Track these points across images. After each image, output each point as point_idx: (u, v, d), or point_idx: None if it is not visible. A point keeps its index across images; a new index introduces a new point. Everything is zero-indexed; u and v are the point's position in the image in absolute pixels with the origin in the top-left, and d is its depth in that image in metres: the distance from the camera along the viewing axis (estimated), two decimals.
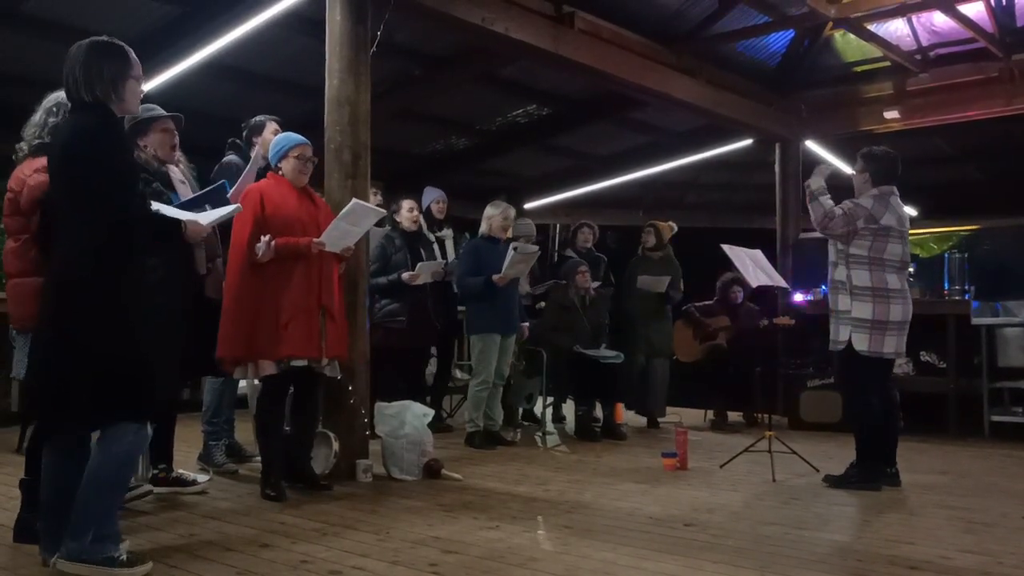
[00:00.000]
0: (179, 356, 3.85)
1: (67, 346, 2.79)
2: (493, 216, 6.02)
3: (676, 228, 7.38)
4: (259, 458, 4.38)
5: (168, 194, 3.85)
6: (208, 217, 3.30)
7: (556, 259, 7.51)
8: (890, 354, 4.54)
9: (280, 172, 4.25)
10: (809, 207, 4.69)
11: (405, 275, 5.84)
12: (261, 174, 4.69)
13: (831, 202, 4.61)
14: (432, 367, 6.80)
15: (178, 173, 4.10)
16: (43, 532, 2.92)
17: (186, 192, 4.03)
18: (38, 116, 3.40)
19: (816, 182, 4.71)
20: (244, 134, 4.92)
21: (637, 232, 7.54)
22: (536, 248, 6.14)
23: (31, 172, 3.28)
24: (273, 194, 4.15)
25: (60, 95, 3.33)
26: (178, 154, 4.18)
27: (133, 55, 2.97)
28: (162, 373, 3.01)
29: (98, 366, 2.76)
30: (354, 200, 4.23)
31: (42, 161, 3.23)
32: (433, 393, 6.60)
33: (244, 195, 4.12)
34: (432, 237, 6.53)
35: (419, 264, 5.93)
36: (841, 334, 4.57)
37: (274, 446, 4.22)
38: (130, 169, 2.97)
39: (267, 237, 3.98)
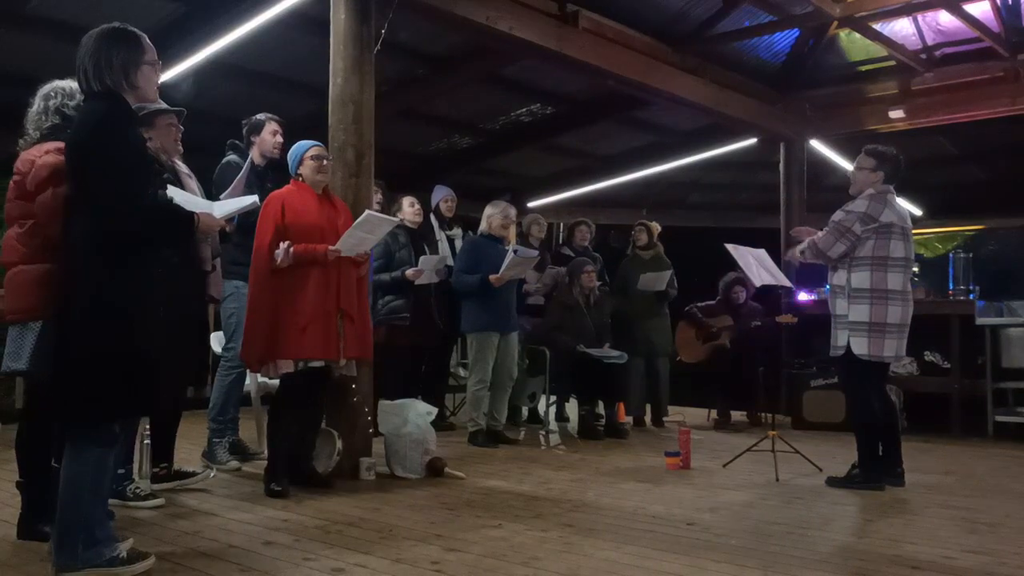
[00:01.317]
0: (183, 354, 3.85)
1: (70, 340, 2.76)
2: (493, 215, 6.03)
3: (660, 228, 7.45)
4: (262, 456, 4.39)
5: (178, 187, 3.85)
6: (223, 209, 3.28)
7: (554, 255, 7.49)
8: (890, 357, 4.48)
9: (300, 178, 4.33)
10: (811, 260, 4.65)
11: (409, 271, 5.85)
12: (262, 175, 4.69)
13: (806, 240, 4.58)
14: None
15: (185, 167, 4.12)
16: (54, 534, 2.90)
17: (193, 187, 4.05)
18: (36, 106, 3.33)
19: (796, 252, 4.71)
20: (244, 131, 4.93)
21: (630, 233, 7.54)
22: (535, 253, 6.16)
23: (42, 152, 3.15)
24: (294, 201, 4.24)
25: (57, 83, 3.32)
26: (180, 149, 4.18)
27: (147, 41, 2.92)
28: (165, 370, 2.98)
29: (100, 361, 2.73)
30: (367, 212, 4.28)
31: (56, 143, 3.12)
32: (435, 391, 6.60)
33: (266, 202, 4.22)
34: (442, 235, 6.53)
35: (421, 258, 5.94)
36: (839, 339, 4.50)
37: (283, 443, 4.25)
38: (139, 160, 2.88)
39: (286, 244, 4.09)
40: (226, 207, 3.34)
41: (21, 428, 3.29)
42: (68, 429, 2.81)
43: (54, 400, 2.80)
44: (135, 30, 2.92)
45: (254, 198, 3.81)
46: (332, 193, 4.47)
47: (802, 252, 4.66)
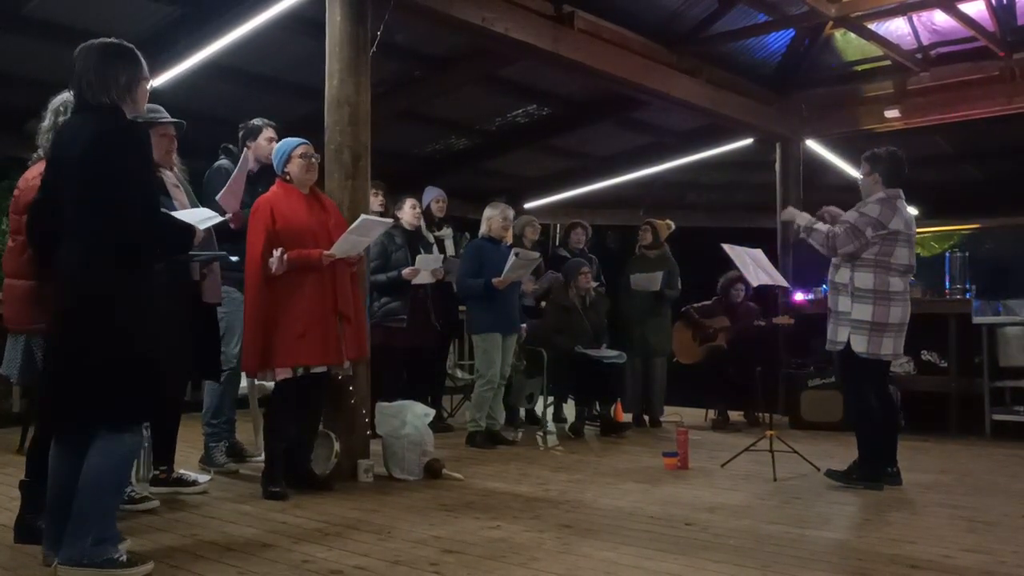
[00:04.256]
0: (181, 358, 3.85)
1: (77, 347, 2.78)
2: (492, 217, 6.02)
3: (673, 226, 7.39)
4: (259, 458, 4.39)
5: (163, 199, 3.84)
6: (193, 217, 3.32)
7: (550, 257, 7.50)
8: (888, 355, 4.52)
9: (287, 178, 4.28)
10: (810, 242, 4.68)
11: (406, 271, 5.85)
12: (254, 181, 4.66)
13: (824, 225, 4.61)
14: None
15: (172, 178, 4.09)
16: (47, 530, 2.92)
17: (180, 196, 4.04)
18: (47, 121, 3.36)
19: (801, 218, 4.75)
20: (240, 135, 4.92)
21: (637, 232, 7.54)
22: (537, 255, 6.16)
23: (36, 175, 3.24)
24: (282, 206, 4.19)
25: (66, 96, 3.32)
26: (175, 157, 4.18)
27: (141, 57, 2.99)
28: (167, 375, 3.01)
29: (106, 367, 2.76)
30: (362, 216, 4.26)
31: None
32: (433, 393, 6.60)
33: (254, 209, 4.19)
34: (431, 237, 6.53)
35: (418, 258, 5.94)
36: (839, 335, 4.55)
37: (278, 446, 4.24)
38: (152, 172, 3.00)
39: (279, 251, 4.05)
40: (193, 215, 3.38)
41: (37, 430, 3.29)
42: (99, 428, 2.82)
43: (86, 404, 2.80)
44: (132, 46, 2.99)
45: (214, 215, 3.74)
46: (319, 191, 4.41)
47: (808, 231, 4.65)
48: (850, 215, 4.56)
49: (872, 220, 4.47)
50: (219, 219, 3.64)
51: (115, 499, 2.93)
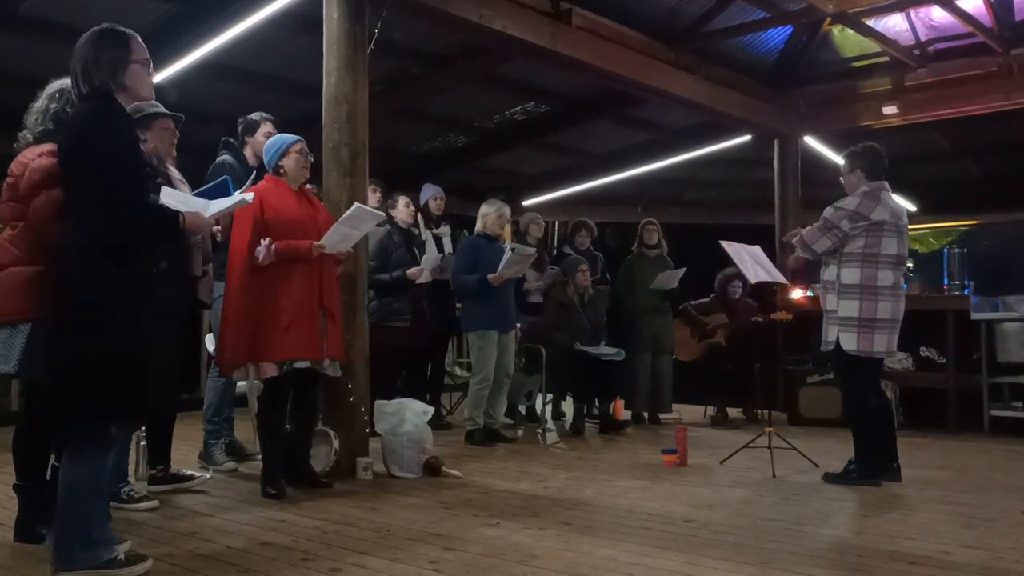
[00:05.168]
0: (177, 357, 3.83)
1: (68, 342, 2.75)
2: (488, 214, 6.02)
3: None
4: (259, 456, 4.39)
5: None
6: (214, 208, 3.24)
7: (556, 255, 7.55)
8: (880, 353, 4.48)
9: (281, 171, 4.25)
10: (800, 253, 4.72)
11: (411, 271, 5.85)
12: (253, 176, 4.67)
13: (799, 231, 4.66)
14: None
15: (177, 173, 4.09)
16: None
17: (185, 191, 4.02)
18: (40, 103, 3.29)
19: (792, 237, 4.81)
20: (239, 130, 4.92)
21: (635, 229, 7.54)
22: (533, 250, 6.16)
23: (35, 156, 3.13)
24: (272, 198, 4.15)
25: (63, 81, 3.27)
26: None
27: (137, 41, 2.90)
28: (161, 373, 2.97)
29: (98, 363, 2.73)
30: (356, 204, 4.24)
31: (49, 146, 3.10)
32: (432, 391, 6.60)
33: None
34: (424, 235, 6.53)
35: (424, 257, 5.94)
36: (830, 334, 4.52)
37: (275, 445, 4.22)
38: (130, 160, 2.85)
39: (267, 241, 3.99)
40: (218, 205, 3.30)
41: (19, 430, 3.28)
42: (67, 431, 2.80)
43: (53, 401, 2.79)
44: (124, 30, 2.91)
45: (245, 196, 3.75)
46: (307, 189, 4.38)
47: (794, 244, 4.71)
48: (827, 211, 4.54)
49: (848, 213, 4.43)
50: (240, 200, 3.56)
51: (94, 503, 2.82)
